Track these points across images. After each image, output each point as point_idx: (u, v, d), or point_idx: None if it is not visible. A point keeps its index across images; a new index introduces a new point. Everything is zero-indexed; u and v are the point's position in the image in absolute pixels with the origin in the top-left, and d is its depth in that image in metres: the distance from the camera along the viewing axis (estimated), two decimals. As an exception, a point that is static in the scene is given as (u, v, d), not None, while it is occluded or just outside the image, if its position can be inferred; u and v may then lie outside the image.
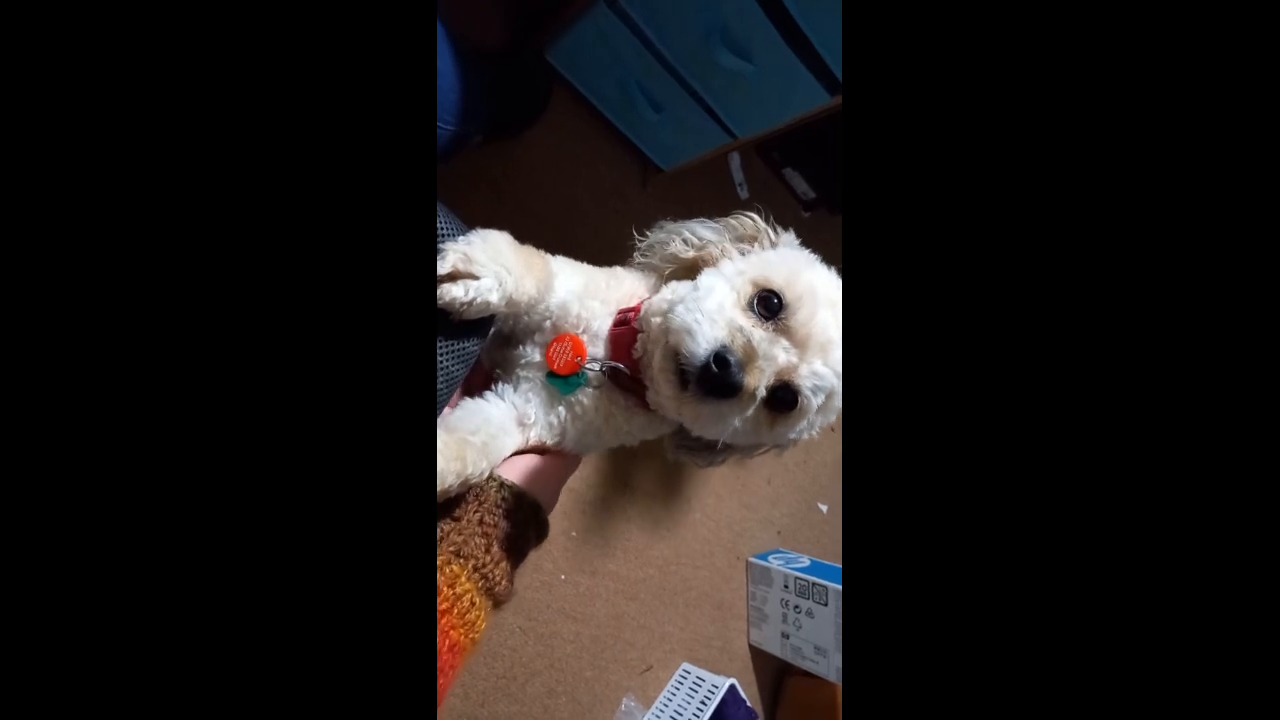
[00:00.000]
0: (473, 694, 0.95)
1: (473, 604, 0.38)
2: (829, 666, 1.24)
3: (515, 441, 0.48)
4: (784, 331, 0.41)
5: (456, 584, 0.38)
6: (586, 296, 0.48)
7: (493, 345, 0.53)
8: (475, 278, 0.40)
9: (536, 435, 0.49)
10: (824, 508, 1.65)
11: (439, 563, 0.39)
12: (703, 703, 1.12)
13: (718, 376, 0.38)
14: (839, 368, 0.40)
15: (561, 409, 0.49)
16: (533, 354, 0.49)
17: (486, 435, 0.45)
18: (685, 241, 0.49)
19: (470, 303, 0.40)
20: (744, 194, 1.42)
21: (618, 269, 0.53)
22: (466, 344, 0.46)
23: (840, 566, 1.36)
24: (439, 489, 0.40)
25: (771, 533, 1.50)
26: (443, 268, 0.40)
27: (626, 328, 0.47)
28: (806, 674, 1.30)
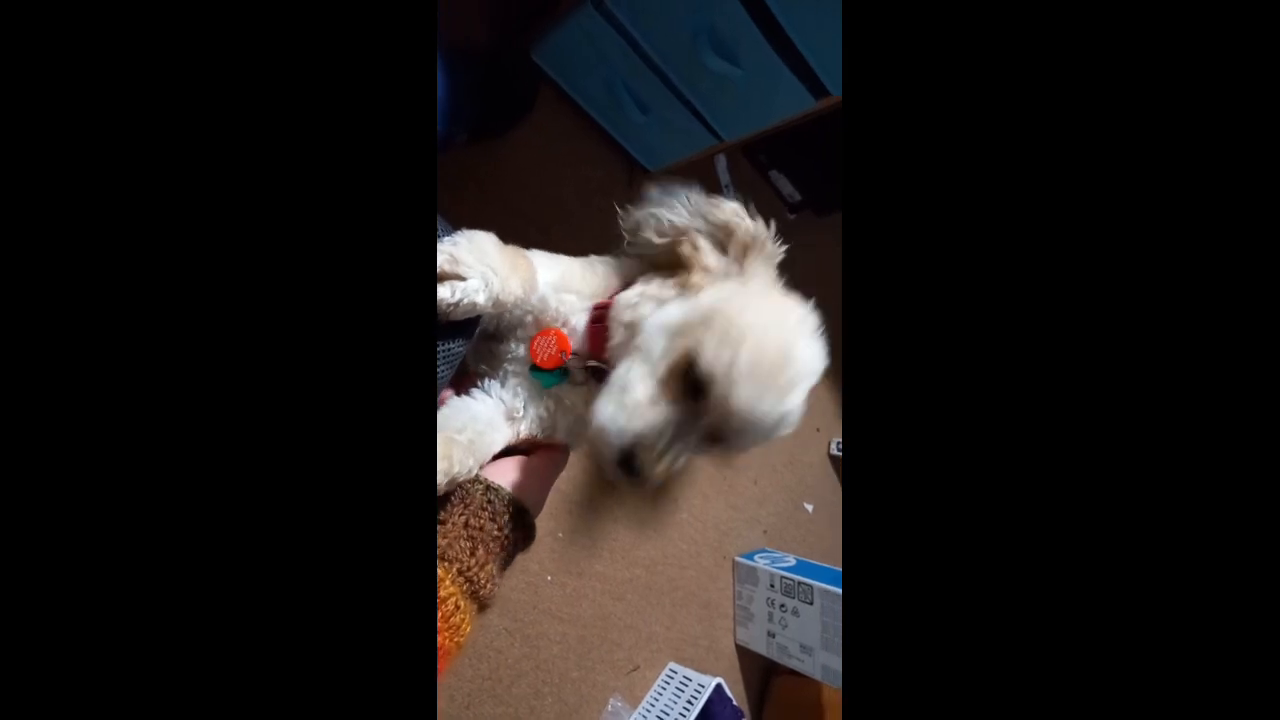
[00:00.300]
0: (458, 696, 0.94)
1: (457, 608, 0.38)
2: (815, 665, 1.24)
3: (504, 437, 0.48)
4: (708, 410, 0.40)
5: (441, 587, 0.38)
6: (562, 289, 0.48)
7: (477, 341, 0.53)
8: (461, 279, 0.40)
9: (526, 429, 0.49)
10: (810, 507, 1.66)
11: None
12: (689, 702, 1.12)
13: (626, 469, 0.40)
14: (769, 430, 0.41)
15: (550, 401, 0.49)
16: (517, 349, 0.49)
17: (473, 433, 0.45)
18: (657, 230, 0.46)
19: (457, 304, 0.40)
20: (730, 195, 1.43)
21: (593, 258, 0.52)
22: (452, 345, 0.46)
23: (825, 565, 1.37)
24: None
25: (758, 532, 1.51)
26: None
27: (602, 324, 0.47)
28: (792, 672, 1.31)
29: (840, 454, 1.74)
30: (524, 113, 1.03)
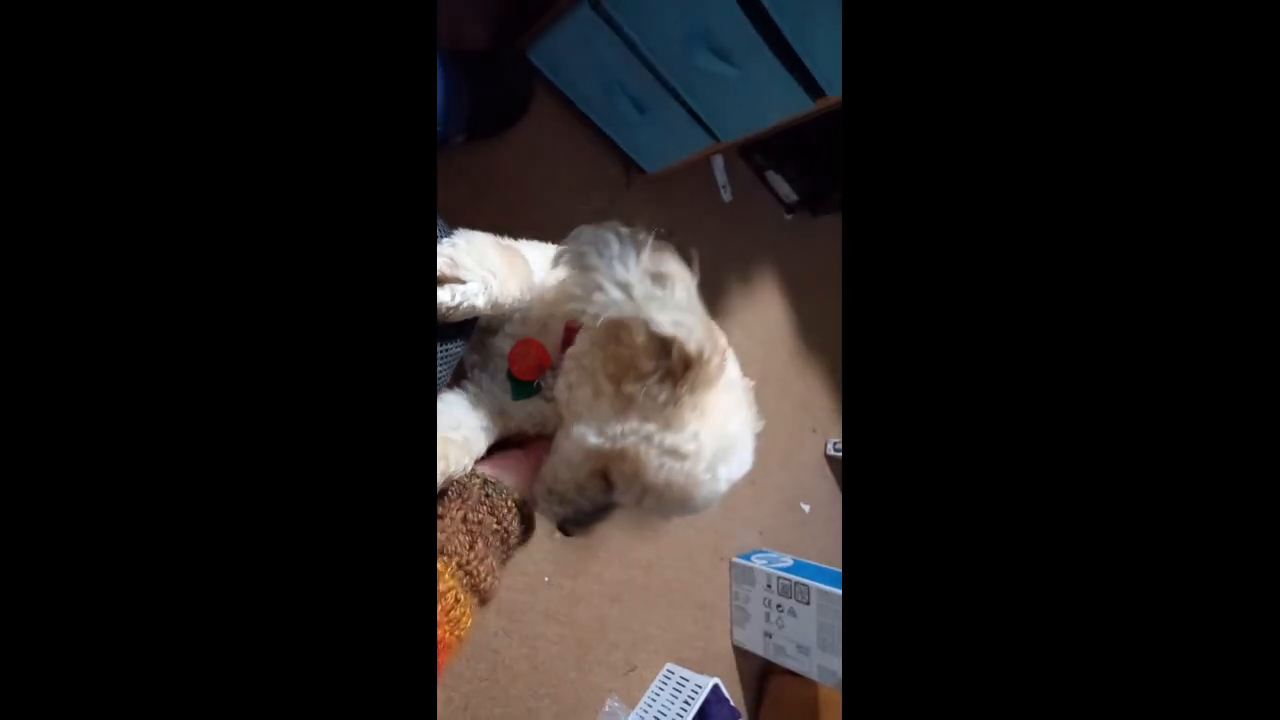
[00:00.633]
0: (456, 697, 0.94)
1: (457, 600, 0.38)
2: (811, 665, 1.25)
3: (498, 432, 0.48)
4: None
5: (440, 581, 0.38)
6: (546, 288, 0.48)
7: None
8: (461, 282, 0.40)
9: (518, 424, 0.49)
10: (806, 508, 1.66)
11: None
12: (686, 703, 1.12)
13: (564, 531, 0.47)
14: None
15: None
16: (504, 345, 0.49)
17: (468, 430, 0.45)
18: (593, 304, 0.38)
19: (456, 307, 0.40)
20: (727, 196, 1.43)
21: None
22: (450, 346, 0.46)
23: (822, 566, 1.37)
24: None
25: (754, 533, 1.51)
26: None
27: (577, 331, 0.47)
28: (789, 672, 1.31)
29: (836, 454, 1.74)
30: (520, 113, 1.03)
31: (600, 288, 0.37)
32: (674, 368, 0.38)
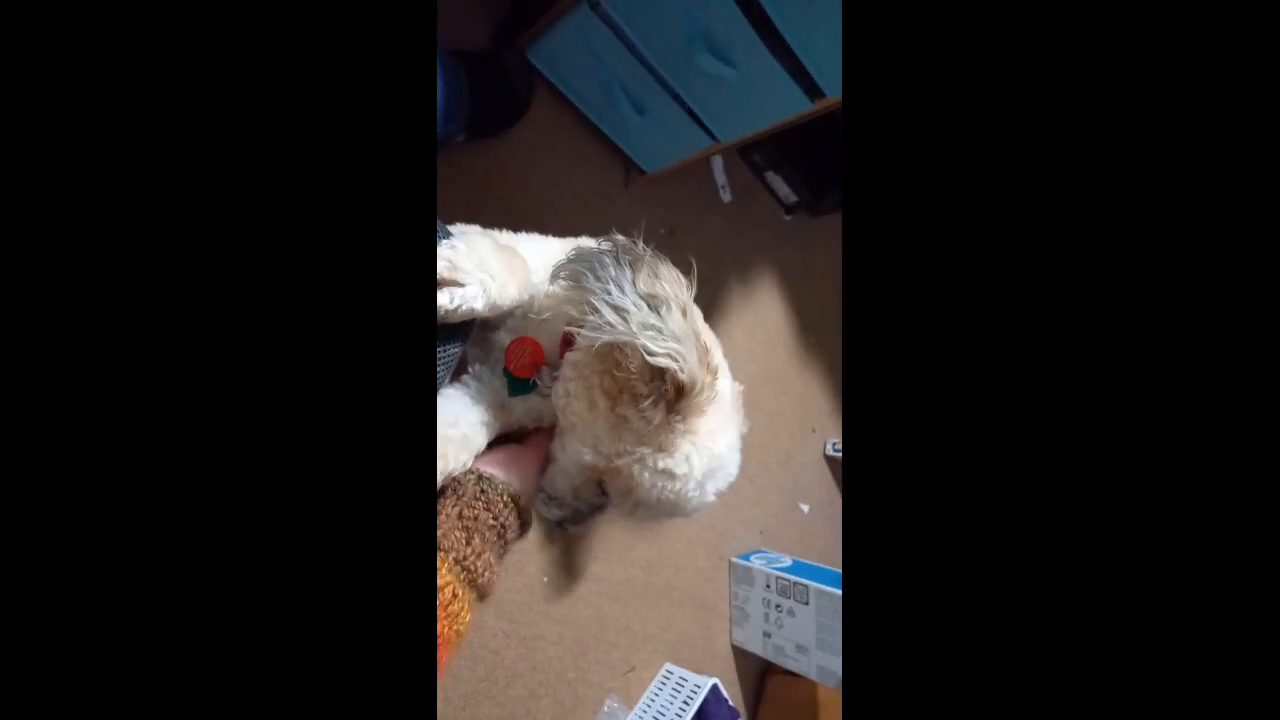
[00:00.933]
0: (454, 697, 0.94)
1: (455, 595, 0.38)
2: (810, 665, 1.25)
3: (499, 427, 0.48)
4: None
5: (437, 576, 0.38)
6: (545, 284, 0.48)
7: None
8: (460, 285, 0.40)
9: (517, 419, 0.49)
10: (805, 508, 1.66)
11: None
12: (685, 703, 1.12)
13: (562, 529, 0.50)
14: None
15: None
16: (505, 340, 0.49)
17: (466, 426, 0.45)
18: (590, 321, 0.39)
19: (455, 310, 0.40)
20: (726, 197, 1.43)
21: (582, 242, 0.53)
22: (449, 347, 0.46)
23: (821, 566, 1.37)
24: None
25: (754, 533, 1.51)
26: None
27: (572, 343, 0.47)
28: (788, 672, 1.31)
29: (836, 454, 1.74)
30: (520, 113, 1.03)
31: (596, 310, 0.38)
32: (667, 394, 0.39)
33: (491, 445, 0.48)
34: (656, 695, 1.18)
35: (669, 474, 0.42)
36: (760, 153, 1.47)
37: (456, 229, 0.45)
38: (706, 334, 0.44)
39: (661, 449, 0.41)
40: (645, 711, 1.15)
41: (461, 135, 0.94)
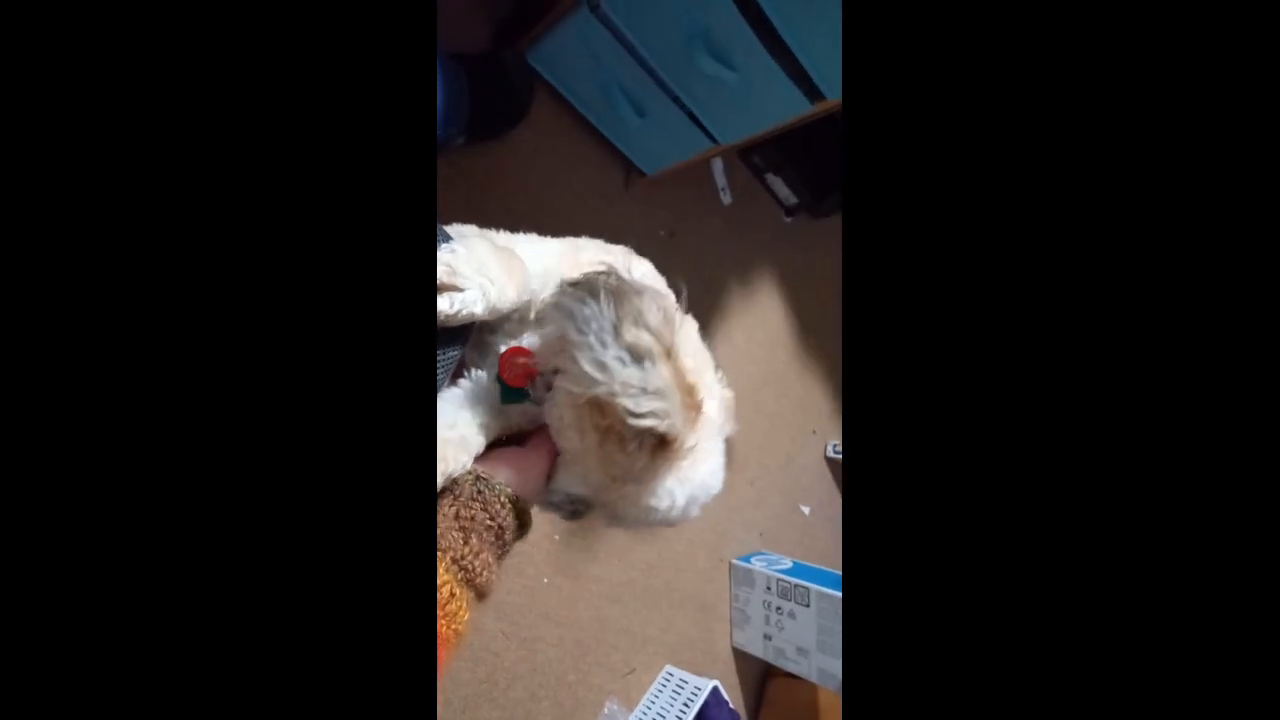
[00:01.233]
0: (454, 700, 0.94)
1: (453, 595, 0.38)
2: (810, 667, 1.24)
3: (498, 429, 0.48)
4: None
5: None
6: (548, 278, 0.48)
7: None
8: (459, 290, 0.41)
9: (515, 422, 0.49)
10: (806, 510, 1.66)
11: None
12: (685, 705, 1.12)
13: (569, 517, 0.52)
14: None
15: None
16: (502, 345, 0.49)
17: (464, 427, 0.45)
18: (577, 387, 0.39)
19: (455, 315, 0.40)
20: (726, 199, 1.43)
21: (581, 242, 0.54)
22: (449, 351, 0.46)
23: (821, 568, 1.37)
24: None
25: (754, 535, 1.51)
26: None
27: None
28: (788, 675, 1.31)
29: (836, 456, 1.74)
30: (520, 115, 1.03)
31: (579, 363, 0.38)
32: (651, 443, 0.41)
33: (493, 447, 0.48)
34: (656, 697, 1.18)
35: (653, 508, 0.45)
36: (760, 155, 1.47)
37: (454, 230, 0.46)
38: (698, 354, 0.44)
39: (645, 487, 0.44)
40: (645, 714, 1.15)
41: (461, 137, 0.94)
